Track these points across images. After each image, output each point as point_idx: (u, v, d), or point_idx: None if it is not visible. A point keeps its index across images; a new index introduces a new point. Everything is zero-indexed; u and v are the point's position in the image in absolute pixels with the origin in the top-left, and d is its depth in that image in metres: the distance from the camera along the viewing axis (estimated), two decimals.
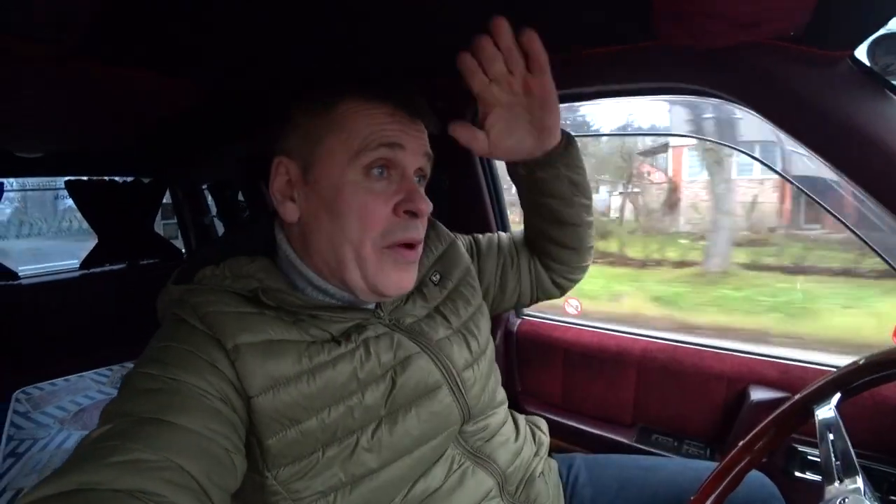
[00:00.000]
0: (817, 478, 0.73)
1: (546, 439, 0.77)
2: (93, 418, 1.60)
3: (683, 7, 0.55)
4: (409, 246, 0.59)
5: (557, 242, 0.77)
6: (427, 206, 0.58)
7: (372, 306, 0.64)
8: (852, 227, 0.75)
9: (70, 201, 2.67)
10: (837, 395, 0.53)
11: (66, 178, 2.37)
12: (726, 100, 0.71)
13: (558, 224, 0.74)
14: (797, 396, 0.58)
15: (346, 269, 0.57)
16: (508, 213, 1.25)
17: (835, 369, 0.84)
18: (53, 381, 1.91)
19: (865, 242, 0.74)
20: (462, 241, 0.80)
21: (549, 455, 0.77)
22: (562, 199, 0.71)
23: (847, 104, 0.59)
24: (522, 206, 0.77)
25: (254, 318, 0.53)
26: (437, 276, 0.71)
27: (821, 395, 0.54)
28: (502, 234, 0.86)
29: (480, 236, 0.84)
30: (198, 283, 0.57)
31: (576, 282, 0.84)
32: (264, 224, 0.64)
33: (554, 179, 0.69)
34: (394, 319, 0.64)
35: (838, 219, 0.77)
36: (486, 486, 0.63)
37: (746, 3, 0.51)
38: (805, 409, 0.56)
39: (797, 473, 0.74)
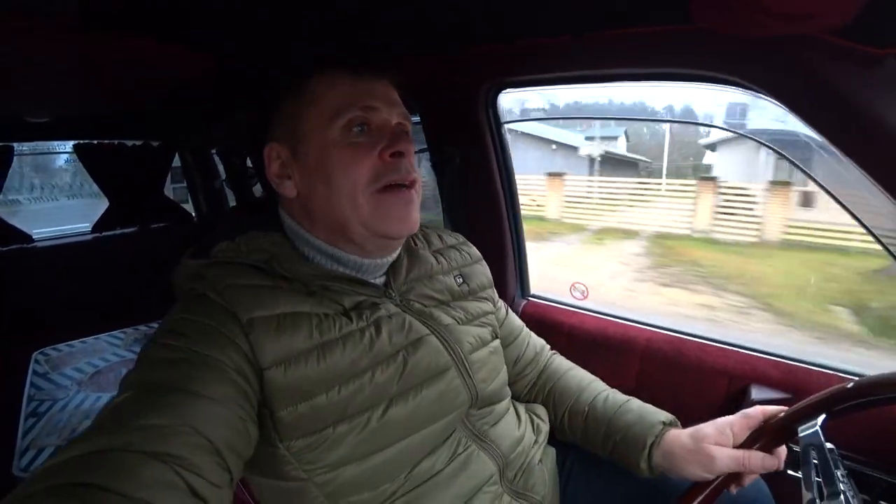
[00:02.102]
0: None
1: (545, 427, 0.78)
2: (108, 381, 1.66)
3: None
4: (404, 186, 0.61)
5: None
6: (411, 146, 0.61)
7: (382, 282, 0.66)
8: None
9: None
10: (822, 417, 0.53)
11: (75, 142, 2.35)
12: (755, 92, 0.66)
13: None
14: (781, 415, 0.58)
15: (347, 224, 0.59)
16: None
17: (835, 372, 0.83)
18: (70, 342, 1.97)
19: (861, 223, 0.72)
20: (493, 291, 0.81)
21: (548, 443, 0.78)
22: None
23: (887, 103, 0.55)
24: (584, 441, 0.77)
25: (269, 292, 0.55)
26: (461, 279, 0.74)
27: (805, 416, 0.54)
28: (533, 340, 0.87)
29: (508, 314, 0.85)
30: (214, 258, 0.59)
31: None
32: (273, 205, 0.67)
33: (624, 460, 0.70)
34: (405, 300, 0.65)
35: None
36: (488, 472, 0.65)
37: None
38: (789, 429, 0.56)
39: (790, 472, 0.74)
